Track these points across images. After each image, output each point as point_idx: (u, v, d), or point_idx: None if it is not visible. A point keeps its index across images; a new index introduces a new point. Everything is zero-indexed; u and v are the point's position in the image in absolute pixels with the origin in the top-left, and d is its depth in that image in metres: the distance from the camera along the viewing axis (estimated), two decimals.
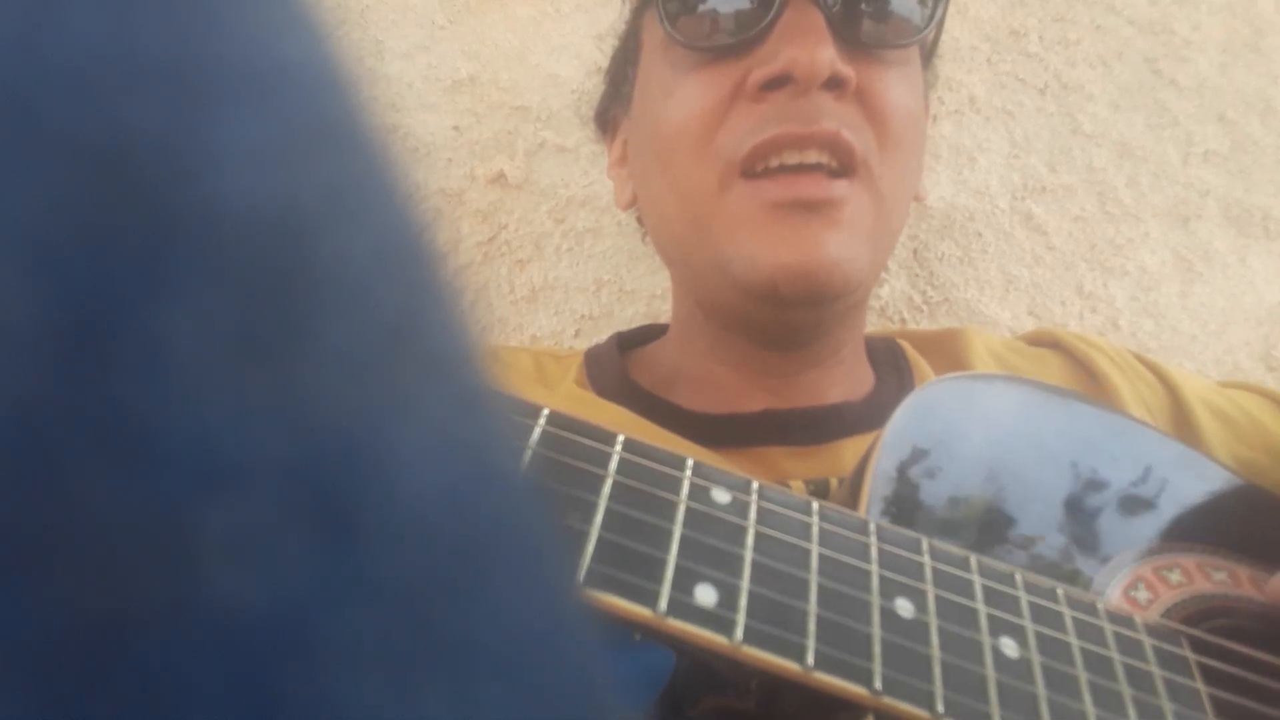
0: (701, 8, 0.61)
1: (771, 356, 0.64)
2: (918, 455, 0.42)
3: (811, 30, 0.56)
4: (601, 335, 0.76)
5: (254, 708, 0.12)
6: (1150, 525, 0.45)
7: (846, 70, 0.56)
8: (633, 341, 0.74)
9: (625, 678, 0.36)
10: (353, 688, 0.13)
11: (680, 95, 0.61)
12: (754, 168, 0.58)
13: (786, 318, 0.61)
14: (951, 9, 0.90)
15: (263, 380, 0.13)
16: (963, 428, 0.44)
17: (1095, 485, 0.45)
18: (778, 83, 0.57)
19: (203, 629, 0.12)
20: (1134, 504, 0.45)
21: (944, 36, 0.90)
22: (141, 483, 0.12)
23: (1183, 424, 0.64)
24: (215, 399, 0.12)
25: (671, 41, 0.62)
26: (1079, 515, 0.44)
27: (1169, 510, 0.46)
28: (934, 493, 0.41)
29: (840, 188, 0.57)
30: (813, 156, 0.57)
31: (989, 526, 0.41)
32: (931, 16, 0.61)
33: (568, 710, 0.15)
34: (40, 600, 0.11)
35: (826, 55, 0.55)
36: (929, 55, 0.69)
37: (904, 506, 0.40)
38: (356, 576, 0.13)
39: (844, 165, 0.57)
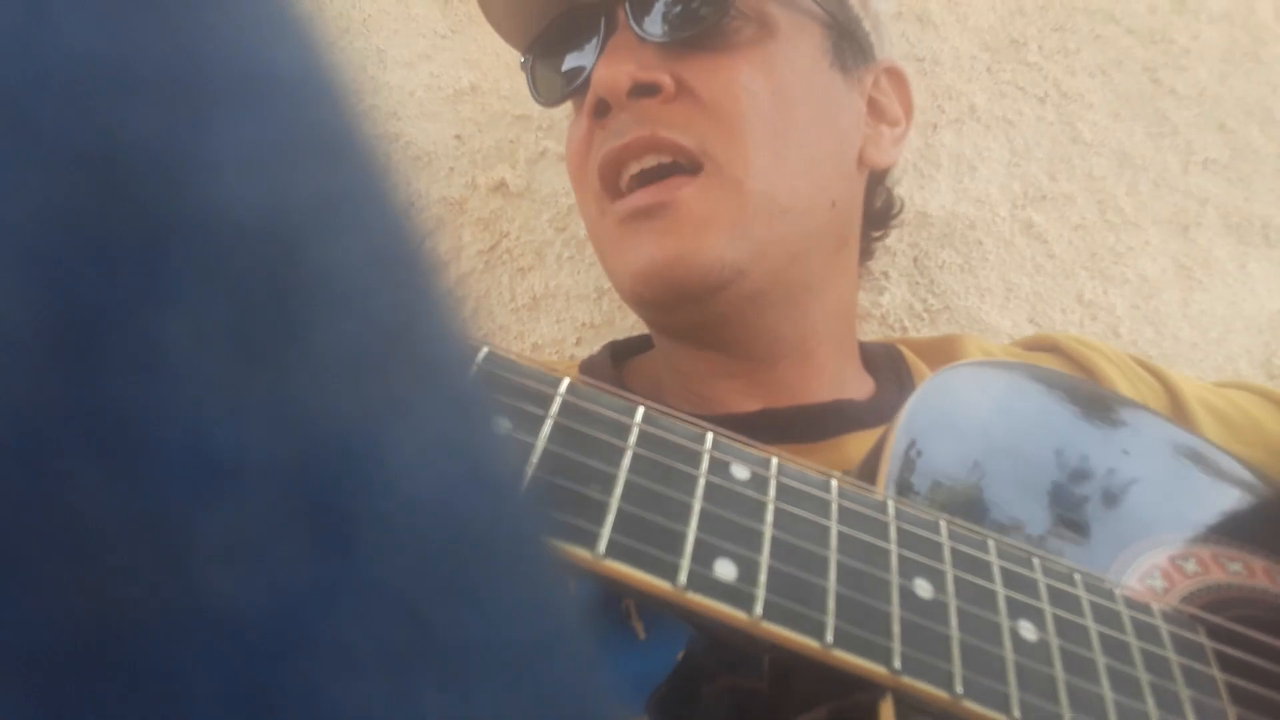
0: (555, 69, 0.67)
1: (722, 359, 0.64)
2: (922, 435, 0.42)
3: (616, 52, 0.60)
4: (603, 343, 0.76)
5: (250, 708, 0.12)
6: (1166, 515, 0.45)
7: (649, 75, 0.59)
8: (626, 351, 0.74)
9: (622, 679, 0.36)
10: (348, 689, 0.13)
11: (568, 138, 0.67)
12: (615, 187, 0.61)
13: (680, 319, 0.63)
14: (951, 18, 0.90)
15: (257, 384, 0.13)
16: (973, 412, 0.44)
17: (1109, 474, 0.45)
18: (600, 108, 0.61)
19: (199, 630, 0.12)
20: (1147, 493, 0.45)
21: (943, 46, 0.90)
22: (137, 485, 0.12)
23: (1183, 424, 0.64)
24: (210, 402, 0.12)
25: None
26: (1077, 501, 0.44)
27: (1185, 501, 0.46)
28: (925, 472, 0.41)
29: (677, 189, 0.58)
30: (650, 161, 0.60)
31: (969, 516, 0.41)
32: None
33: (563, 711, 0.15)
34: (38, 602, 0.11)
35: (622, 70, 0.59)
36: (840, 24, 0.66)
37: (903, 488, 0.40)
38: (352, 578, 0.13)
39: (689, 161, 0.59)
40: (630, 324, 0.89)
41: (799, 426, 0.62)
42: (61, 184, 0.12)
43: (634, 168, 0.60)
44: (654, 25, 0.60)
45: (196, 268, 0.13)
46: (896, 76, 0.72)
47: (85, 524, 0.11)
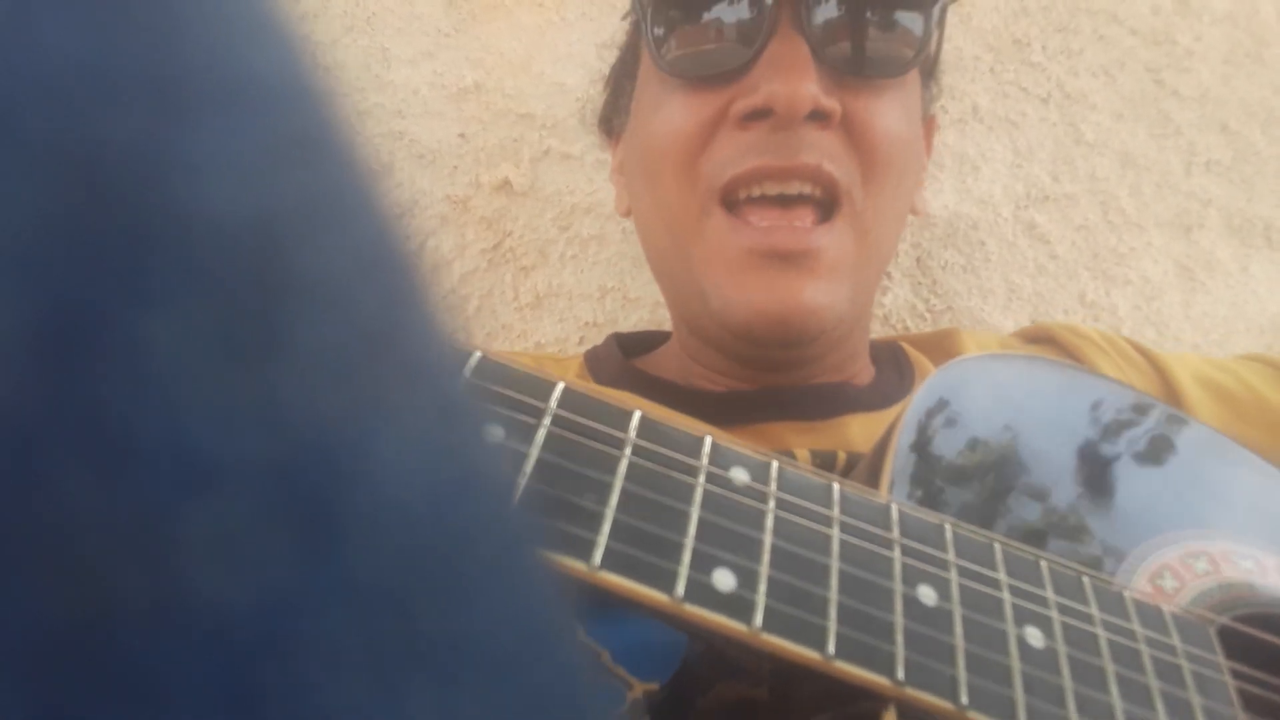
0: (688, 38, 0.60)
1: (761, 375, 0.64)
2: (940, 407, 0.42)
3: (795, 63, 0.56)
4: None
5: (236, 707, 0.12)
6: (1176, 512, 0.44)
7: (829, 103, 0.56)
8: (632, 345, 0.74)
9: (641, 647, 0.36)
10: (335, 687, 0.13)
11: (666, 114, 0.62)
12: (735, 195, 0.58)
13: (765, 353, 0.62)
14: (954, 19, 0.90)
15: (242, 384, 0.13)
16: (983, 396, 0.44)
17: (1111, 460, 0.45)
18: (760, 114, 0.57)
19: (185, 629, 0.12)
20: (1155, 489, 0.45)
21: (947, 46, 0.90)
22: (122, 485, 0.12)
23: (1174, 407, 0.64)
24: (195, 402, 0.12)
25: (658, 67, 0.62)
26: (1094, 480, 0.44)
27: (1194, 496, 0.46)
28: (951, 439, 0.41)
29: (819, 236, 0.57)
30: (794, 188, 0.57)
31: (1003, 475, 0.41)
32: (921, 45, 0.60)
33: (551, 711, 0.15)
34: (23, 601, 0.11)
35: (808, 90, 0.55)
36: (930, 72, 0.68)
37: (924, 459, 0.40)
38: (337, 577, 0.13)
39: (828, 196, 0.57)
40: (633, 323, 0.89)
41: (802, 404, 0.62)
42: (45, 188, 0.12)
43: (771, 188, 0.57)
44: (835, 47, 0.57)
45: (180, 270, 0.13)
46: (930, 124, 0.72)
47: (71, 524, 0.11)
